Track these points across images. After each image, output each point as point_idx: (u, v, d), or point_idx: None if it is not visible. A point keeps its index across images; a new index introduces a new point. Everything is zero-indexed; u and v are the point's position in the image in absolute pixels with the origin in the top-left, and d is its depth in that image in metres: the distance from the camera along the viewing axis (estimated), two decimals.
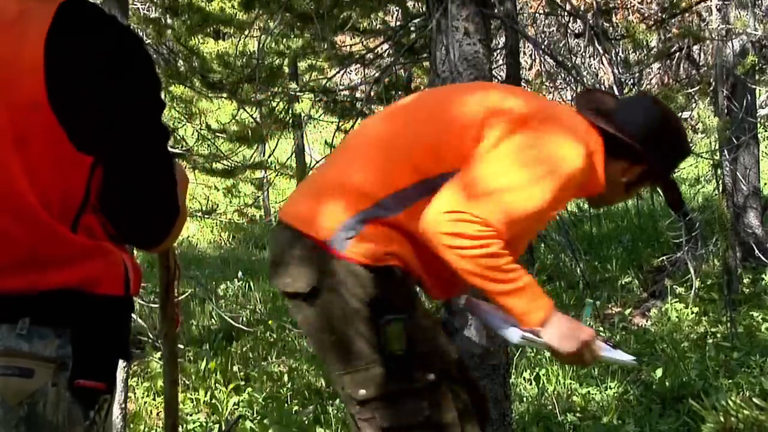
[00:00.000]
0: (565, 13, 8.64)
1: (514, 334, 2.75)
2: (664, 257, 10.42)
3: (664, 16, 10.63)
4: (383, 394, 2.70)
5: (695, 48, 12.13)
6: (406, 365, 2.68)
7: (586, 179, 2.77)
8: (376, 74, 8.24)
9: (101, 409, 1.89)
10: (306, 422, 6.50)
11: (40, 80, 1.77)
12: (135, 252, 2.22)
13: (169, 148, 1.98)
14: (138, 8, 14.24)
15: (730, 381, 6.33)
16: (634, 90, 11.13)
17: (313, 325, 2.74)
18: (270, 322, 9.16)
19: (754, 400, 4.79)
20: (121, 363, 5.10)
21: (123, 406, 5.64)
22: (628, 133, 2.83)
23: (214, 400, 7.12)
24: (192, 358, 8.15)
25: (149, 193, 1.92)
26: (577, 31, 10.55)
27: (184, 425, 6.60)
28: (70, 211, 1.84)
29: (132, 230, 1.94)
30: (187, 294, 8.94)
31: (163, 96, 2.06)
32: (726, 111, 9.63)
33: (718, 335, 7.94)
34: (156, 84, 1.93)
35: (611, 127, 2.84)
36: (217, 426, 6.75)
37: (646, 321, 9.10)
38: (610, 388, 6.67)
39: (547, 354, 7.20)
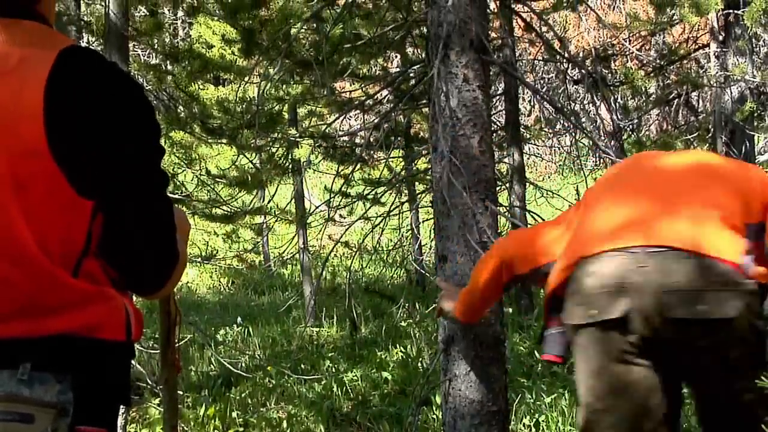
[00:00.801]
0: (564, 60, 8.68)
1: None
2: None
3: (662, 62, 10.72)
4: None
5: (694, 94, 12.23)
6: None
7: None
8: (376, 120, 8.28)
9: None
10: None
11: (40, 127, 1.76)
12: (135, 298, 2.21)
13: (169, 194, 1.98)
14: (138, 54, 14.35)
15: None
16: (633, 136, 11.15)
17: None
18: (269, 368, 9.12)
19: None
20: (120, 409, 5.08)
21: None
22: None
23: None
24: (191, 404, 8.11)
25: (148, 238, 1.90)
26: (576, 78, 10.62)
27: None
28: (71, 256, 1.83)
29: (131, 276, 1.94)
30: (186, 339, 8.92)
31: (162, 142, 2.06)
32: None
33: None
34: (155, 130, 1.93)
35: None
36: None
37: None
38: None
39: (547, 400, 7.19)
